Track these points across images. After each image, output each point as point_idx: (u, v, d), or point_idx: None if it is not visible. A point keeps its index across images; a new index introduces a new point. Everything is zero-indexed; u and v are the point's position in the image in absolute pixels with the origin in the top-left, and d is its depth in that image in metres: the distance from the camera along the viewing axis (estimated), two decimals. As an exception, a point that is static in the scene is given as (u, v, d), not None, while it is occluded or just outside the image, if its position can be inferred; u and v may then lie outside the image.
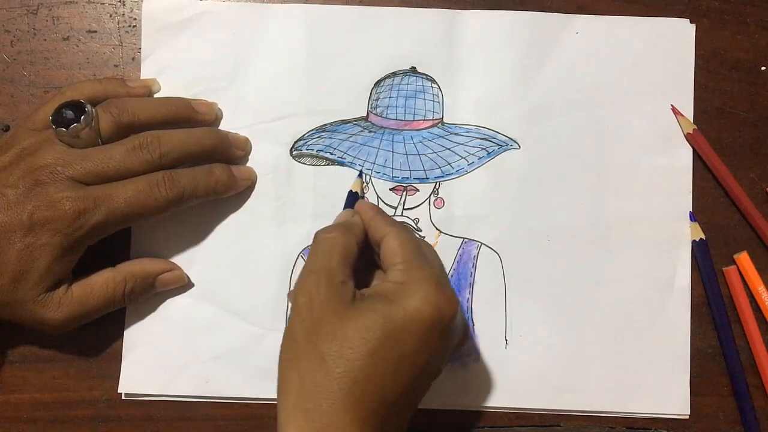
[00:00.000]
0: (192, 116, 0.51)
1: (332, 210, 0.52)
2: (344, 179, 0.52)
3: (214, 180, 0.49)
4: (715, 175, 0.53)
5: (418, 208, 0.53)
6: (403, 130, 0.53)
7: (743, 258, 0.53)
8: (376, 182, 0.53)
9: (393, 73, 0.53)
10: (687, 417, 0.52)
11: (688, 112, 0.53)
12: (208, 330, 0.52)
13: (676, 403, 0.52)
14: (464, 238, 0.52)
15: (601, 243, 0.52)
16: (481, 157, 0.53)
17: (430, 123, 0.53)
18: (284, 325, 0.51)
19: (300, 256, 0.52)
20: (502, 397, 0.51)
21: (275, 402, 0.50)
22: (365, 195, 0.52)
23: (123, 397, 0.52)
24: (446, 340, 0.42)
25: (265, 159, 0.53)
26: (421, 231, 0.52)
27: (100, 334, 0.52)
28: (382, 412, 0.39)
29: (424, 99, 0.53)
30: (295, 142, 0.53)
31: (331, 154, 0.53)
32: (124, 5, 0.54)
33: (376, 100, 0.53)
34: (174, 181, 0.47)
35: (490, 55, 0.53)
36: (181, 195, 0.48)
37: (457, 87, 0.53)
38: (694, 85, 0.54)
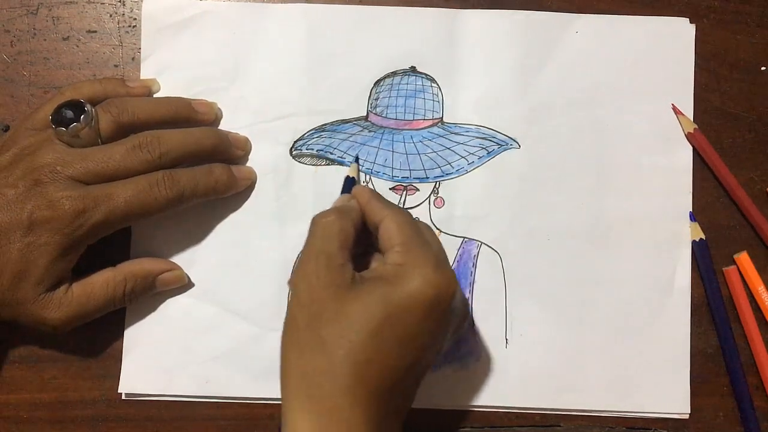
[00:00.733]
0: (192, 116, 0.51)
1: (332, 210, 0.52)
2: (344, 178, 0.52)
3: (213, 179, 0.49)
4: (715, 174, 0.53)
5: (418, 207, 0.53)
6: (403, 129, 0.53)
7: (743, 258, 0.53)
8: (376, 182, 0.53)
9: (393, 72, 0.53)
10: (687, 417, 0.52)
11: (688, 111, 0.53)
12: (208, 330, 0.52)
13: (676, 402, 0.52)
14: (464, 237, 0.52)
15: (601, 243, 0.52)
16: (481, 157, 0.53)
17: (430, 122, 0.53)
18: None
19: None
20: (502, 397, 0.51)
21: (275, 402, 0.51)
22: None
23: (123, 397, 0.52)
24: (446, 320, 0.42)
25: (265, 159, 0.53)
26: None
27: (100, 334, 0.52)
28: (385, 393, 0.40)
29: (424, 98, 0.53)
30: (295, 142, 0.53)
31: (331, 153, 0.53)
32: (124, 5, 0.54)
33: (376, 99, 0.53)
34: (174, 181, 0.47)
35: (489, 54, 0.53)
36: (181, 194, 0.48)
37: (457, 86, 0.53)
38: (694, 85, 0.54)
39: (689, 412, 0.52)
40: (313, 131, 0.53)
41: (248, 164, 0.53)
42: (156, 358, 0.51)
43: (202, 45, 0.53)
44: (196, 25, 0.53)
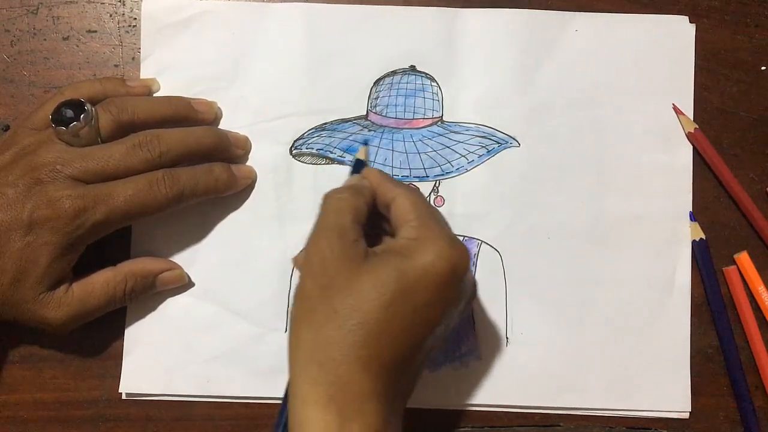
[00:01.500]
0: (192, 115, 0.51)
1: (333, 209, 0.52)
2: (344, 178, 0.52)
3: (213, 178, 0.49)
4: (715, 174, 0.53)
5: (418, 206, 0.53)
6: (402, 128, 0.53)
7: (743, 258, 0.53)
8: (377, 181, 0.53)
9: (393, 71, 0.53)
10: (687, 417, 0.52)
11: (688, 111, 0.53)
12: (208, 329, 0.52)
13: (677, 401, 0.52)
14: (464, 236, 0.52)
15: (601, 242, 0.52)
16: (481, 155, 0.53)
17: (429, 121, 0.53)
18: (284, 325, 0.52)
19: (300, 255, 0.52)
20: (503, 396, 0.51)
21: (275, 402, 0.51)
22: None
23: (123, 397, 0.51)
24: (457, 296, 0.42)
25: (265, 158, 0.53)
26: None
27: (101, 334, 0.52)
28: (395, 367, 0.39)
29: (424, 97, 0.53)
30: (295, 141, 0.53)
31: (331, 153, 0.53)
32: (124, 5, 0.54)
33: (376, 98, 0.53)
34: (174, 180, 0.47)
35: (489, 53, 0.53)
36: (181, 193, 0.48)
37: (457, 85, 0.53)
38: (694, 85, 0.54)
39: (690, 410, 0.52)
40: (313, 130, 0.53)
41: (248, 164, 0.53)
42: (156, 357, 0.51)
43: (201, 45, 0.53)
44: (196, 25, 0.53)
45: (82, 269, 0.48)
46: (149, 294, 0.51)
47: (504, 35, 0.53)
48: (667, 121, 0.53)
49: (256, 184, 0.52)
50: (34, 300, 0.46)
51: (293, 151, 0.53)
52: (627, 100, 0.53)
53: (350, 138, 0.53)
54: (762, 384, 0.52)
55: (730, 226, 0.53)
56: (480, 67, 0.53)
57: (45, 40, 0.54)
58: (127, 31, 0.54)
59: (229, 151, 0.51)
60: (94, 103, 0.48)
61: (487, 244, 0.52)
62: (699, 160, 0.53)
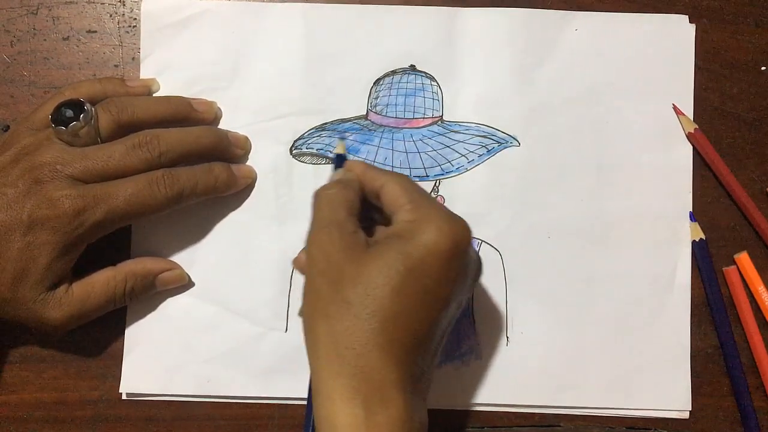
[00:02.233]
0: (191, 115, 0.51)
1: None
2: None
3: (213, 178, 0.49)
4: (715, 174, 0.53)
5: (418, 206, 0.53)
6: (402, 128, 0.53)
7: (743, 258, 0.53)
8: (376, 181, 0.53)
9: (392, 71, 0.53)
10: (687, 417, 0.52)
11: (688, 111, 0.53)
12: (208, 329, 0.52)
13: (677, 401, 0.52)
14: (464, 236, 0.52)
15: (601, 241, 0.52)
16: (481, 155, 0.53)
17: (429, 121, 0.53)
18: (284, 325, 0.52)
19: (300, 255, 0.52)
20: (503, 395, 0.51)
21: (276, 402, 0.51)
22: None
23: (123, 397, 0.51)
24: (464, 270, 0.42)
25: (265, 158, 0.53)
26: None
27: (101, 334, 0.52)
28: (414, 348, 0.39)
29: (424, 97, 0.53)
30: (295, 141, 0.53)
31: (331, 153, 0.53)
32: (124, 5, 0.54)
33: (376, 98, 0.53)
34: (173, 179, 0.47)
35: (489, 52, 0.53)
36: (181, 193, 0.48)
37: (457, 85, 0.53)
38: (694, 85, 0.54)
39: (690, 410, 0.51)
40: (313, 130, 0.53)
41: (248, 163, 0.53)
42: (156, 357, 0.51)
43: (201, 45, 0.53)
44: (196, 25, 0.53)
45: (82, 269, 0.48)
46: (149, 294, 0.51)
47: (504, 35, 0.53)
48: (667, 121, 0.53)
49: (256, 184, 0.52)
50: (34, 300, 0.46)
51: (293, 151, 0.53)
52: (627, 100, 0.53)
53: (350, 138, 0.53)
54: (762, 384, 0.52)
55: (730, 226, 0.53)
56: (480, 67, 0.53)
57: (45, 40, 0.54)
58: (127, 31, 0.54)
59: (229, 151, 0.51)
60: (93, 103, 0.48)
61: (488, 243, 0.52)
62: (699, 160, 0.53)
